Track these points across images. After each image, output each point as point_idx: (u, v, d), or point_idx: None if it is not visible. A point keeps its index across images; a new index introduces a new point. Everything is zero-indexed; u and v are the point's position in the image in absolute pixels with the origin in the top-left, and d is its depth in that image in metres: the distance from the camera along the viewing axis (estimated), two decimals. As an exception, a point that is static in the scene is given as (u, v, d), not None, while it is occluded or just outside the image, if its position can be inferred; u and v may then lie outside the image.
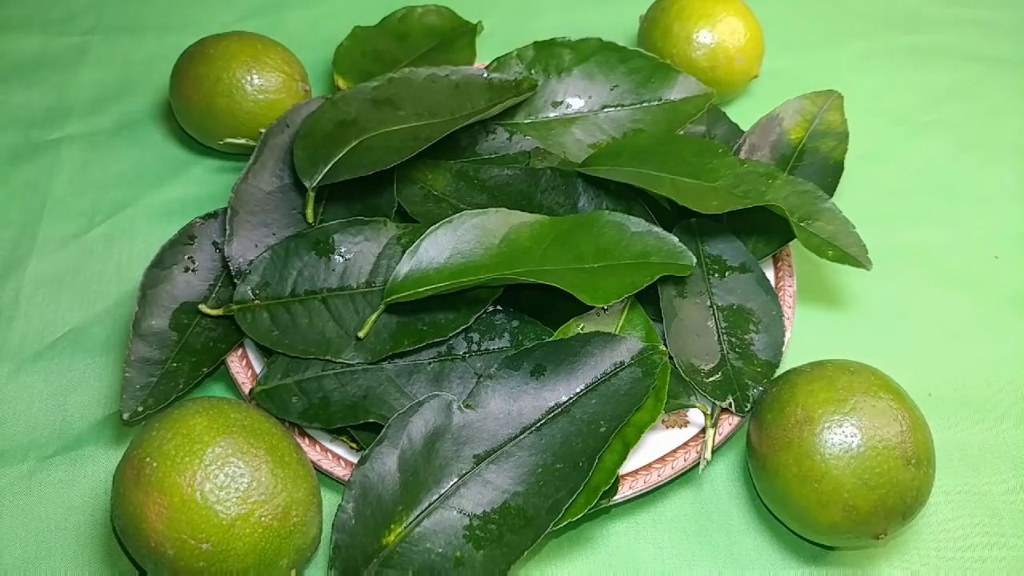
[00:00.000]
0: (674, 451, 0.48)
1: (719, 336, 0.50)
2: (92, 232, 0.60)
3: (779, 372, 0.49)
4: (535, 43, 0.59)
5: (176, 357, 0.49)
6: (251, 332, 0.49)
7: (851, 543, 0.47)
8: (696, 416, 0.50)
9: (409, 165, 0.54)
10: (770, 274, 0.55)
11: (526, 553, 0.42)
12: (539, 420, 0.45)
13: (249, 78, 0.59)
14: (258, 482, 0.41)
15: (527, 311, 0.50)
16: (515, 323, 0.50)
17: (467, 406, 0.46)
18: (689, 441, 0.49)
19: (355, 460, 0.48)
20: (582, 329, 0.49)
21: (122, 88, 0.68)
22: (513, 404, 0.46)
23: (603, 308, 0.50)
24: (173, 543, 0.40)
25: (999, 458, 0.51)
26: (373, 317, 0.48)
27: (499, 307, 0.50)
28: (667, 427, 0.49)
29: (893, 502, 0.43)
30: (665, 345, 0.49)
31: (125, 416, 0.47)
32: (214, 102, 0.59)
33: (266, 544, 0.41)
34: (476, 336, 0.49)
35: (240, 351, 0.51)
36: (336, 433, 0.49)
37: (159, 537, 0.40)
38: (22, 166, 0.63)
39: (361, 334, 0.48)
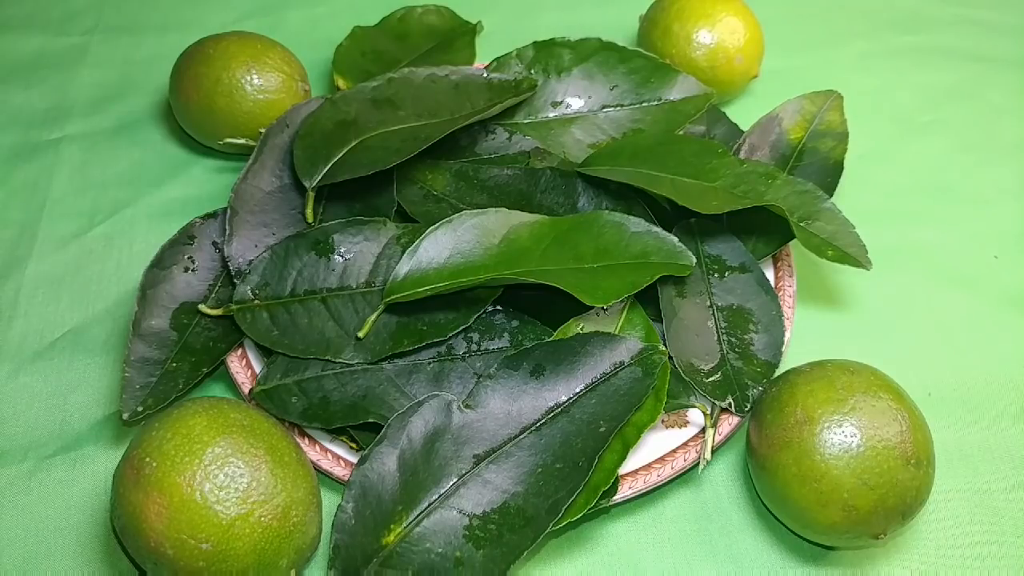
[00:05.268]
0: (674, 451, 0.48)
1: (719, 336, 0.50)
2: (92, 232, 0.60)
3: (779, 372, 0.49)
4: (535, 43, 0.59)
5: (176, 357, 0.49)
6: (251, 332, 0.49)
7: (851, 543, 0.47)
8: (696, 416, 0.50)
9: (409, 165, 0.54)
10: (770, 274, 0.55)
11: (526, 553, 0.42)
12: (539, 420, 0.45)
13: (249, 78, 0.59)
14: (258, 482, 0.41)
15: (527, 311, 0.50)
16: (515, 323, 0.50)
17: (467, 406, 0.46)
18: (689, 441, 0.49)
19: (355, 460, 0.48)
20: (582, 329, 0.49)
21: (122, 88, 0.68)
22: (513, 404, 0.46)
23: (603, 308, 0.50)
24: (173, 543, 0.40)
25: (999, 457, 0.51)
26: (373, 317, 0.48)
27: (499, 307, 0.50)
28: (667, 427, 0.49)
29: (893, 502, 0.43)
30: (665, 345, 0.49)
31: (125, 416, 0.47)
32: (214, 102, 0.59)
33: (266, 544, 0.41)
34: (476, 336, 0.49)
35: (240, 351, 0.51)
36: (336, 433, 0.49)
37: (159, 537, 0.40)
38: (22, 166, 0.63)
39: (361, 334, 0.48)
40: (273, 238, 0.52)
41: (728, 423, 0.49)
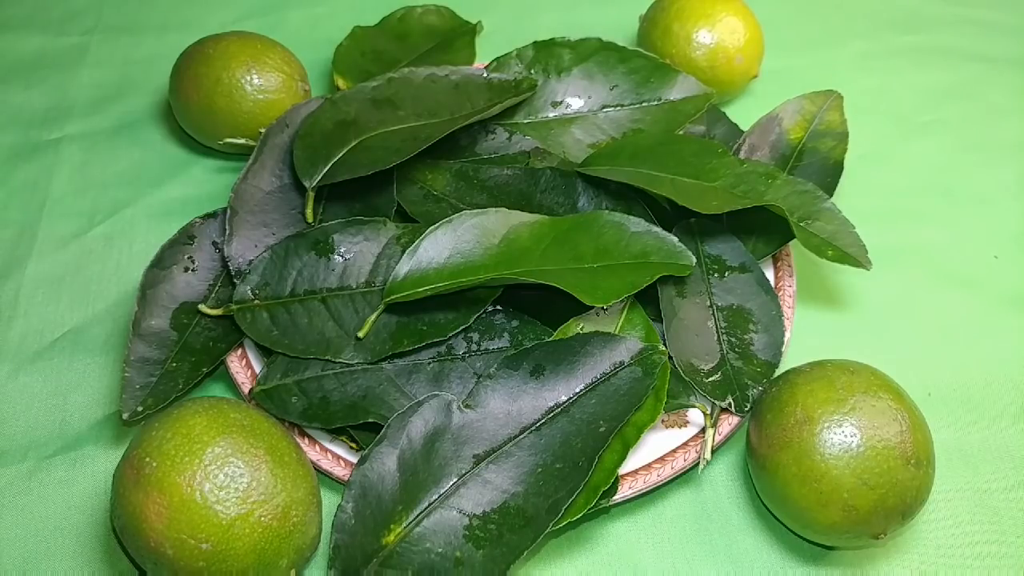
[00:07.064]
0: (674, 451, 0.48)
1: (719, 336, 0.50)
2: (92, 232, 0.60)
3: (779, 372, 0.49)
4: (535, 43, 0.59)
5: (176, 357, 0.49)
6: (251, 332, 0.49)
7: (851, 543, 0.47)
8: (696, 416, 0.50)
9: (409, 165, 0.54)
10: (770, 274, 0.55)
11: (526, 553, 0.42)
12: (539, 420, 0.45)
13: (249, 78, 0.59)
14: (258, 482, 0.41)
15: (527, 311, 0.50)
16: (515, 323, 0.50)
17: (467, 406, 0.46)
18: (689, 441, 0.49)
19: (355, 460, 0.48)
20: (582, 329, 0.49)
21: (122, 88, 0.68)
22: (513, 404, 0.46)
23: (603, 308, 0.50)
24: (173, 543, 0.40)
25: (998, 457, 0.51)
26: (373, 317, 0.48)
27: (499, 307, 0.50)
28: (667, 427, 0.49)
29: (893, 502, 0.43)
30: (665, 345, 0.49)
31: (125, 416, 0.47)
32: (214, 102, 0.59)
33: (266, 544, 0.41)
34: (476, 336, 0.49)
35: (240, 351, 0.51)
36: (336, 433, 0.49)
37: (159, 537, 0.40)
38: (22, 166, 0.63)
39: (361, 334, 0.48)
40: (273, 238, 0.52)
41: (728, 423, 0.49)
